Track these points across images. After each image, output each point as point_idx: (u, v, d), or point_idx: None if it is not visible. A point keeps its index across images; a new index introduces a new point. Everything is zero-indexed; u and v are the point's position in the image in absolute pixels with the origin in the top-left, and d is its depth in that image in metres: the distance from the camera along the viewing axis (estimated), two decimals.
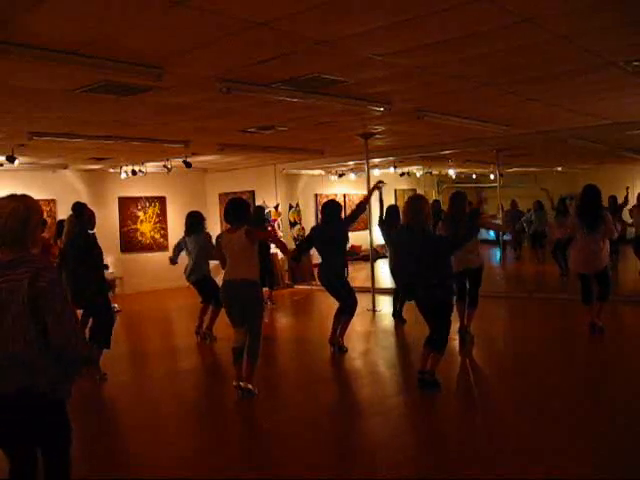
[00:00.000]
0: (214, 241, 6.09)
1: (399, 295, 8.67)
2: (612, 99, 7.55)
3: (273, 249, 10.20)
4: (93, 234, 6.52)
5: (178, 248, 8.40)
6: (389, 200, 18.33)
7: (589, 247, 7.07)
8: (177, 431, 5.02)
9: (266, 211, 13.58)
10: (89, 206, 6.69)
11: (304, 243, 7.54)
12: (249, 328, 5.55)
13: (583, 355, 6.89)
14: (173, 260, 8.37)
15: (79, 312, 6.43)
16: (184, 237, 8.32)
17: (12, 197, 2.81)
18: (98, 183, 13.23)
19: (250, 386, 5.55)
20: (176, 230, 13.25)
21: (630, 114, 8.81)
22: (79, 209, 6.45)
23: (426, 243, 5.49)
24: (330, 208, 7.30)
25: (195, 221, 8.25)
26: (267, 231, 6.19)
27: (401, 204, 18.74)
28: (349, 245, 7.92)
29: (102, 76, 5.22)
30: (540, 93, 6.95)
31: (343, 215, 7.62)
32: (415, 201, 5.73)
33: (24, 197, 2.83)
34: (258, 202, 13.84)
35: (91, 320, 6.53)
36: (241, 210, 5.71)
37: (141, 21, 3.95)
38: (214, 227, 13.44)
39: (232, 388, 5.66)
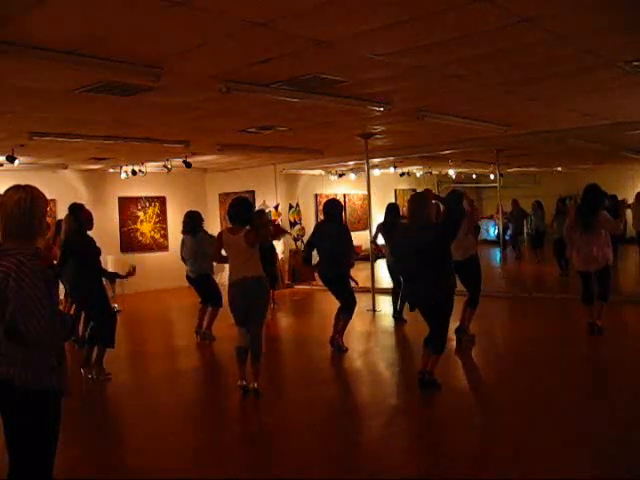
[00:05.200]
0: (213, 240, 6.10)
1: (399, 295, 8.66)
2: (612, 99, 7.54)
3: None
4: (88, 235, 6.49)
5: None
6: (389, 199, 18.36)
7: (588, 246, 7.08)
8: (177, 431, 5.01)
9: (266, 211, 13.60)
10: (89, 206, 6.70)
11: (309, 243, 7.54)
12: (251, 327, 5.57)
13: (583, 355, 6.89)
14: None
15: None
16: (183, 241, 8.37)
17: (18, 187, 2.77)
18: (98, 183, 13.23)
19: (256, 385, 5.56)
20: (176, 230, 13.23)
21: (630, 114, 8.81)
22: (75, 210, 6.46)
23: (431, 235, 5.37)
24: (331, 206, 7.35)
25: (192, 221, 8.26)
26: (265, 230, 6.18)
27: (401, 204, 18.80)
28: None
29: (102, 76, 5.22)
30: (540, 93, 6.95)
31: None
32: (418, 198, 5.74)
33: (30, 187, 2.78)
34: (258, 202, 13.85)
35: (91, 319, 6.53)
36: (243, 210, 5.71)
37: (141, 21, 3.94)
38: (214, 227, 13.45)
39: (232, 388, 5.66)
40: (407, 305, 6.08)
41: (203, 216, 8.60)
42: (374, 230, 9.73)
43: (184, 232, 8.29)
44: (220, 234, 5.83)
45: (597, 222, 7.02)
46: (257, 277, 5.53)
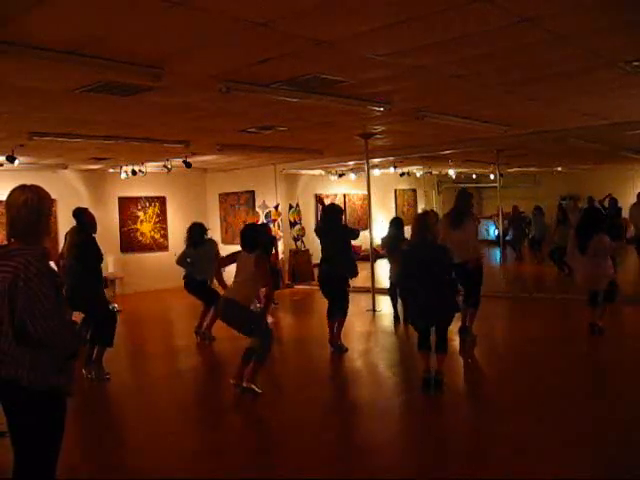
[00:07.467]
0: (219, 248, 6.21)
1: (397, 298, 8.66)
2: (612, 99, 7.54)
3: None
4: (93, 238, 6.52)
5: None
6: (389, 199, 18.39)
7: (589, 265, 7.18)
8: (177, 431, 5.01)
9: (266, 211, 13.62)
10: (89, 207, 6.70)
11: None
12: (253, 337, 5.69)
13: (584, 355, 6.89)
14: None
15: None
16: (185, 250, 8.41)
17: (24, 188, 2.75)
18: (98, 183, 13.23)
19: (253, 386, 5.59)
20: (176, 230, 13.26)
21: (630, 114, 8.80)
22: (79, 214, 6.48)
23: (438, 254, 5.66)
24: (330, 212, 7.54)
25: (191, 235, 8.36)
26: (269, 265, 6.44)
27: (401, 204, 18.83)
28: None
29: (102, 76, 5.22)
30: (540, 93, 6.95)
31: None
32: (423, 217, 5.96)
33: (36, 187, 2.77)
34: (258, 202, 13.87)
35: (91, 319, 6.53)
36: (255, 237, 5.91)
37: (141, 21, 3.94)
38: (214, 227, 13.48)
39: (232, 388, 5.66)
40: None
41: (206, 226, 8.67)
42: (375, 230, 9.72)
43: (191, 246, 8.35)
44: (239, 252, 6.00)
45: (594, 245, 7.13)
46: (243, 305, 5.68)
